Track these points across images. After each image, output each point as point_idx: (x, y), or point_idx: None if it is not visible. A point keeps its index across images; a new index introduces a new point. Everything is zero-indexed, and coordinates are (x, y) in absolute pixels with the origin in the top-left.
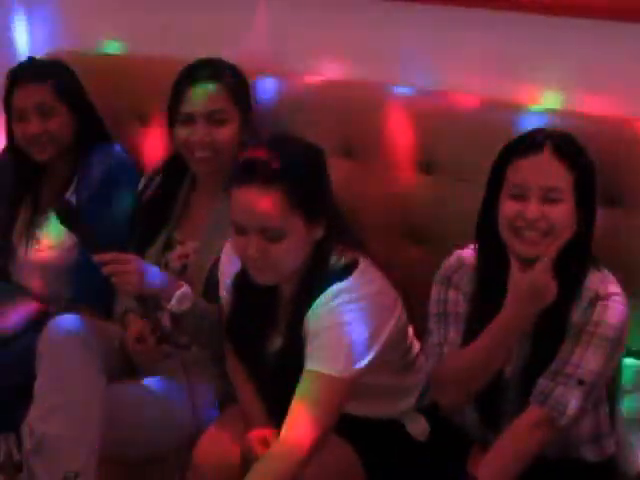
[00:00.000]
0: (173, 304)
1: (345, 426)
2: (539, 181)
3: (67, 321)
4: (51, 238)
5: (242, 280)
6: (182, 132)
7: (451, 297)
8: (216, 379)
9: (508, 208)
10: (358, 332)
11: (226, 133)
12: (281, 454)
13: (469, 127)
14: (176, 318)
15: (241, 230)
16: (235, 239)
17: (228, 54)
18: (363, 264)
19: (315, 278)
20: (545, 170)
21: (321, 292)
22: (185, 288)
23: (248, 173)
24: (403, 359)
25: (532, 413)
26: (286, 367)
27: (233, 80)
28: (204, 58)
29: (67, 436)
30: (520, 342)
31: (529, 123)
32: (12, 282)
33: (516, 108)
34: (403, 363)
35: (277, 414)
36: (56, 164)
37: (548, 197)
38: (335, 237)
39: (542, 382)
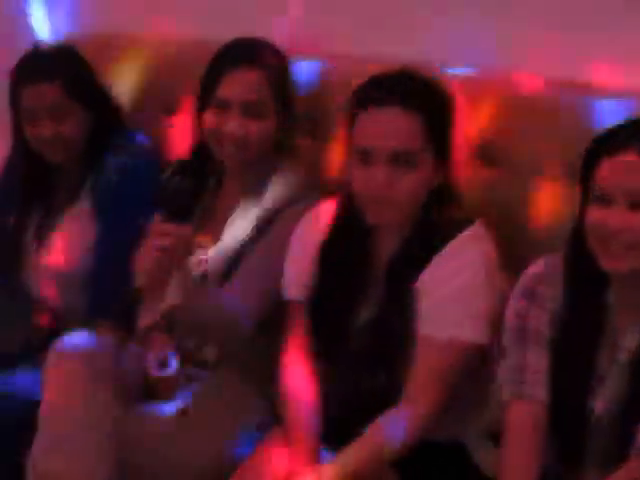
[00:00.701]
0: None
1: None
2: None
3: (75, 340)
4: (64, 242)
5: (330, 247)
6: (213, 120)
7: (534, 313)
8: (251, 402)
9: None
10: (483, 298)
11: (262, 126)
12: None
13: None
14: None
15: (368, 159)
16: (358, 172)
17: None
18: (479, 224)
19: (431, 229)
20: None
21: (436, 247)
22: None
23: (386, 92)
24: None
25: (632, 470)
26: (376, 339)
27: (277, 67)
28: (247, 38)
29: (72, 473)
30: (617, 374)
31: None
32: (25, 292)
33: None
34: (486, 368)
35: (354, 406)
36: (70, 163)
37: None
38: (451, 190)
39: None
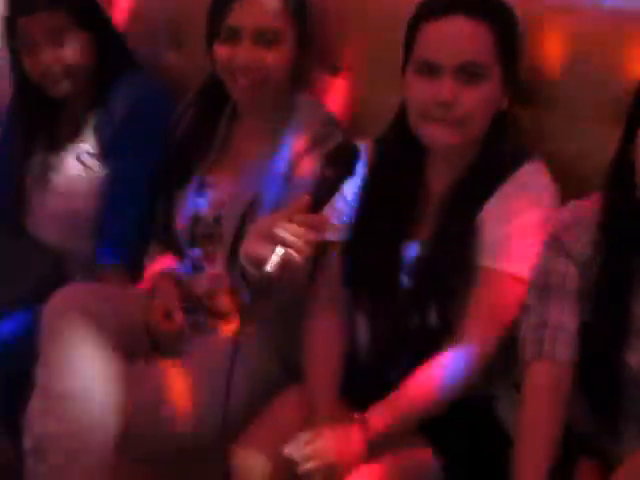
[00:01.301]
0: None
1: None
2: None
3: (71, 293)
4: (68, 183)
5: (375, 178)
6: (223, 52)
7: (559, 267)
8: (270, 354)
9: None
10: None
11: (277, 56)
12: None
13: None
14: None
15: (432, 71)
16: (419, 86)
17: None
18: (540, 158)
19: (496, 157)
20: None
21: (501, 176)
22: None
23: (452, 1)
24: None
25: None
26: (431, 275)
27: None
28: None
29: (72, 435)
30: None
31: None
32: (27, 234)
33: None
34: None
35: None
36: (73, 98)
37: None
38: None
39: None
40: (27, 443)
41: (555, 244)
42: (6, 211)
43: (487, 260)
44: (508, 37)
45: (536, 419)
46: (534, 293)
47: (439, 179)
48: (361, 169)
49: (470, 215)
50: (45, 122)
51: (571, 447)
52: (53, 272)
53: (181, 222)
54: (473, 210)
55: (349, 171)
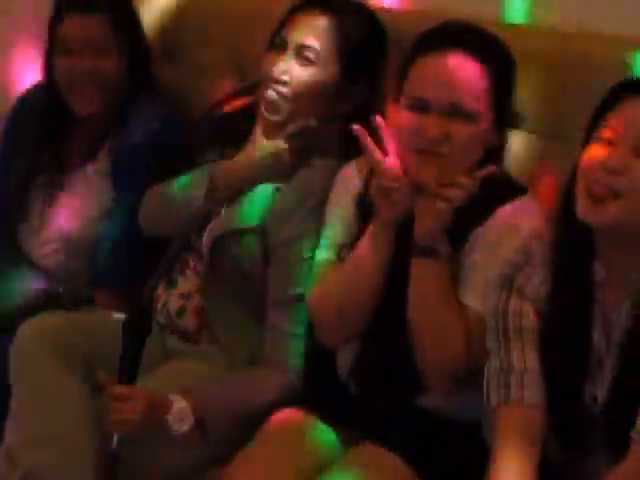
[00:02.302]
0: (176, 429)
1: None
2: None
3: (40, 324)
4: (74, 204)
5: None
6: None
7: (514, 308)
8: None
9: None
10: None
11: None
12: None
13: None
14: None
15: (422, 108)
16: (408, 120)
17: None
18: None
19: (479, 195)
20: None
21: (486, 211)
22: (177, 405)
23: (450, 38)
24: None
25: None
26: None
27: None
28: None
29: (60, 468)
30: (614, 356)
31: None
32: (25, 253)
33: None
34: None
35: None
36: (91, 115)
37: None
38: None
39: None
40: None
41: (508, 285)
42: (4, 224)
43: (463, 295)
44: (504, 81)
45: (510, 461)
46: (494, 336)
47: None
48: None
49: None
50: (57, 134)
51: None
52: (47, 289)
53: None
54: (463, 236)
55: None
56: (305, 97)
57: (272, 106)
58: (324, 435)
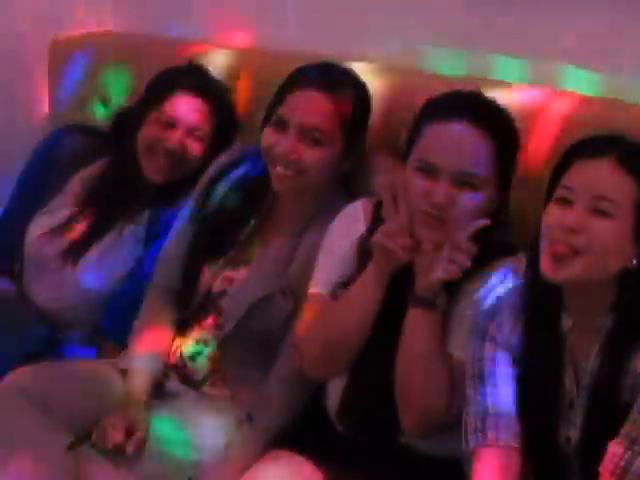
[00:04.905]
0: None
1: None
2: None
3: (17, 377)
4: (104, 260)
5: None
6: (269, 137)
7: (487, 353)
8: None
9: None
10: None
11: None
12: None
13: None
14: None
15: (430, 172)
16: (417, 181)
17: None
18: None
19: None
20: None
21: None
22: None
23: (460, 107)
24: None
25: None
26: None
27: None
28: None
29: None
30: (584, 399)
31: None
32: (27, 299)
33: None
34: None
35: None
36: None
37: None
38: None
39: (615, 451)
40: None
41: (481, 332)
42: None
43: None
44: (508, 149)
45: None
46: (470, 383)
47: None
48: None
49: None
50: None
51: None
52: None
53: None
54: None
55: None
56: (316, 174)
57: (285, 181)
58: (308, 469)
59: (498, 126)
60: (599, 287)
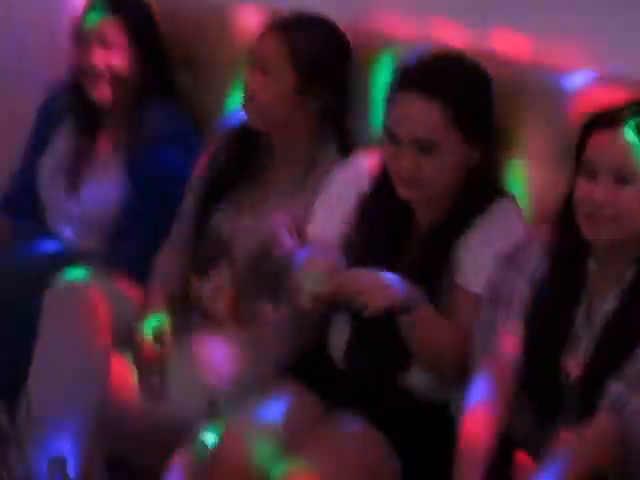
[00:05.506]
0: None
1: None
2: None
3: (77, 279)
4: (95, 191)
5: (371, 201)
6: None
7: (508, 280)
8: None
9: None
10: None
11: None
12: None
13: None
14: None
15: (394, 139)
16: (387, 148)
17: None
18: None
19: (464, 205)
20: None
21: (468, 223)
22: None
23: (410, 79)
24: None
25: (602, 424)
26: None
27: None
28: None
29: (57, 404)
30: (591, 335)
31: None
32: (48, 231)
33: None
34: None
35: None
36: (112, 110)
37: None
38: (490, 168)
39: (615, 389)
40: (22, 411)
41: (508, 262)
42: (30, 210)
43: (460, 279)
44: (466, 108)
45: (482, 407)
46: (486, 302)
47: (424, 219)
48: (361, 186)
49: (448, 245)
50: (83, 126)
51: (508, 445)
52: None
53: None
54: (450, 243)
55: None
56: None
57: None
58: (308, 399)
59: (449, 90)
60: (628, 242)
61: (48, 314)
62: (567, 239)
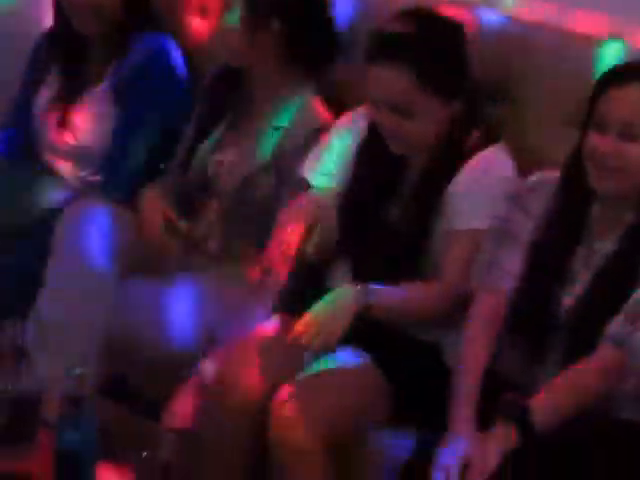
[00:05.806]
0: None
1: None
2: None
3: (88, 207)
4: (83, 122)
5: (367, 149)
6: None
7: (517, 220)
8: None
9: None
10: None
11: None
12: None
13: None
14: None
15: (375, 105)
16: (372, 113)
17: None
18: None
19: (450, 153)
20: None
21: (456, 166)
22: None
23: (378, 48)
24: None
25: (605, 356)
26: (398, 236)
27: None
28: None
29: (70, 323)
30: (588, 276)
31: None
32: (41, 166)
33: None
34: None
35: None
36: (97, 41)
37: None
38: (473, 116)
39: (617, 323)
40: (33, 329)
41: (518, 201)
42: (25, 146)
43: (457, 223)
44: (432, 67)
45: (475, 345)
46: (490, 236)
47: (415, 166)
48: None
49: (438, 189)
50: (71, 60)
51: (495, 385)
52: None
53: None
54: (427, 192)
55: None
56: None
57: None
58: None
59: (413, 54)
60: (632, 192)
61: (63, 234)
62: (574, 185)
